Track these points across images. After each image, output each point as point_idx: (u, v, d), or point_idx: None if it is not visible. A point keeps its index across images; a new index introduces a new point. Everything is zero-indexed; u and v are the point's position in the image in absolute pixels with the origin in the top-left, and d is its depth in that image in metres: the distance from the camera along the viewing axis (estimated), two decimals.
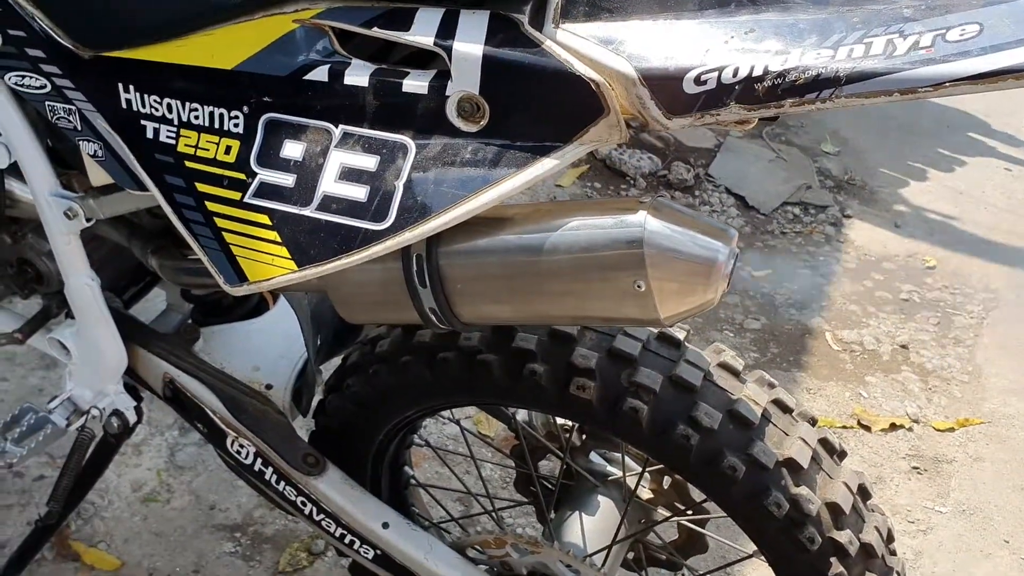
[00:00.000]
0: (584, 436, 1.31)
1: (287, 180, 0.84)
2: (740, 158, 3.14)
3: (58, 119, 0.98)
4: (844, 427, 2.18)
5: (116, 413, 1.26)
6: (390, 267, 0.86)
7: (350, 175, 0.82)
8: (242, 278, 0.89)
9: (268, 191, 0.85)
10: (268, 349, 1.26)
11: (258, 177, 0.85)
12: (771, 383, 1.08)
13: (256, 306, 1.33)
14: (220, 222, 0.89)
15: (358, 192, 0.81)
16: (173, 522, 1.74)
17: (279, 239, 0.85)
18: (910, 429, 2.19)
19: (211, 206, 0.89)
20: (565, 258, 0.80)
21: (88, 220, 1.08)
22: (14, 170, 1.09)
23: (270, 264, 0.86)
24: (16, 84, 0.98)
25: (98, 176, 1.02)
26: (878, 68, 0.65)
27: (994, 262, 2.83)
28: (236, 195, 0.87)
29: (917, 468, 2.09)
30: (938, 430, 2.20)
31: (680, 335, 1.07)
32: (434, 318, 0.88)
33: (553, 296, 0.83)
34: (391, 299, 0.88)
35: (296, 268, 0.85)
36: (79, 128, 0.97)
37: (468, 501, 1.81)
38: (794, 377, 2.31)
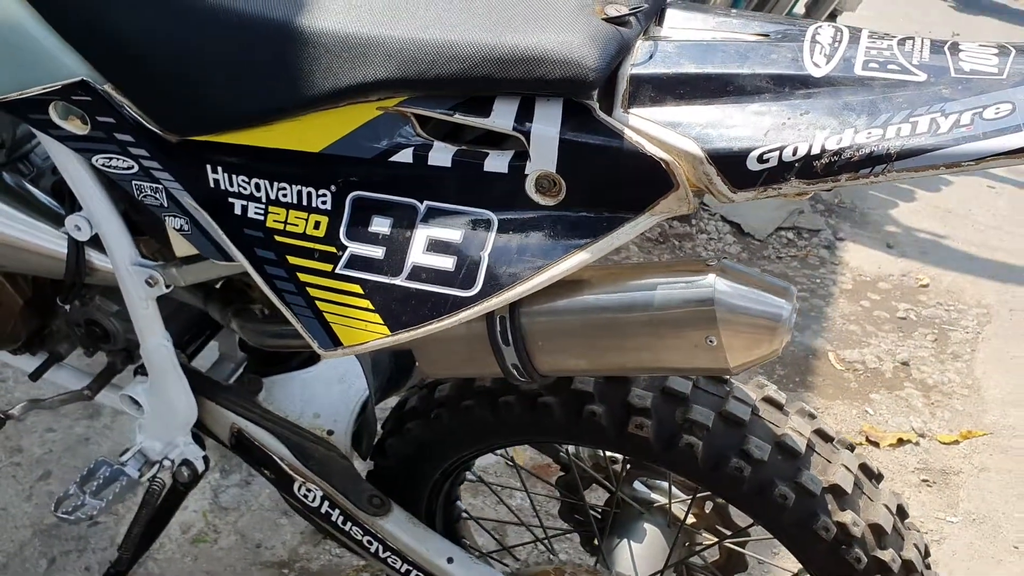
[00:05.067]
0: (629, 466, 1.39)
1: (377, 252, 0.91)
2: None
3: (144, 197, 1.03)
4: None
5: (185, 463, 1.32)
6: (474, 327, 0.93)
7: (437, 247, 0.89)
8: (336, 343, 0.95)
9: (359, 263, 0.92)
10: (326, 396, 1.33)
11: (348, 250, 0.92)
12: (811, 414, 1.16)
13: (311, 354, 1.40)
14: (313, 291, 0.95)
15: (446, 262, 0.89)
16: (222, 561, 1.80)
17: (372, 307, 0.92)
18: (917, 443, 2.28)
19: (303, 277, 0.95)
20: (641, 316, 0.88)
21: (167, 287, 1.15)
22: (93, 240, 1.16)
23: (364, 330, 0.93)
24: (103, 165, 1.02)
25: (182, 247, 1.08)
26: (925, 145, 0.73)
27: (985, 278, 2.94)
28: (327, 267, 0.93)
29: (926, 481, 2.18)
30: (943, 443, 2.29)
31: None
32: (515, 372, 0.95)
33: (629, 350, 0.90)
34: (475, 356, 0.95)
35: (389, 333, 0.91)
36: (165, 205, 1.02)
37: (505, 530, 1.87)
38: (801, 397, 2.40)
